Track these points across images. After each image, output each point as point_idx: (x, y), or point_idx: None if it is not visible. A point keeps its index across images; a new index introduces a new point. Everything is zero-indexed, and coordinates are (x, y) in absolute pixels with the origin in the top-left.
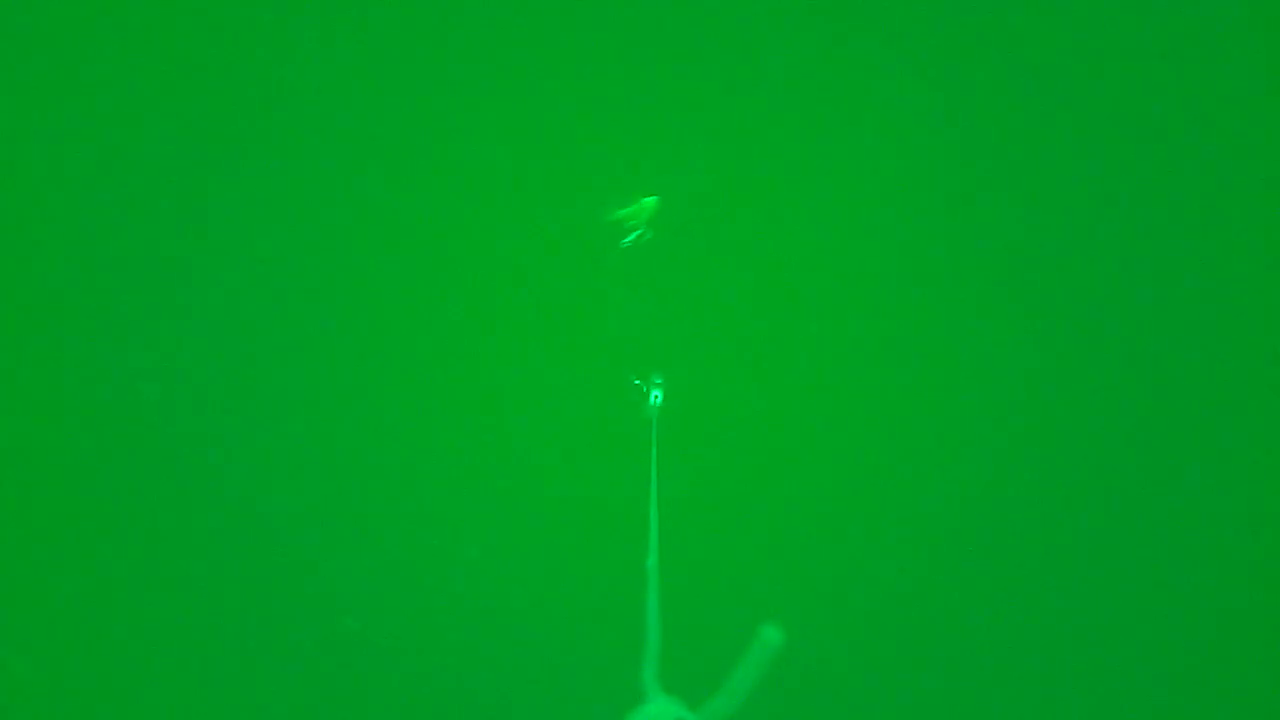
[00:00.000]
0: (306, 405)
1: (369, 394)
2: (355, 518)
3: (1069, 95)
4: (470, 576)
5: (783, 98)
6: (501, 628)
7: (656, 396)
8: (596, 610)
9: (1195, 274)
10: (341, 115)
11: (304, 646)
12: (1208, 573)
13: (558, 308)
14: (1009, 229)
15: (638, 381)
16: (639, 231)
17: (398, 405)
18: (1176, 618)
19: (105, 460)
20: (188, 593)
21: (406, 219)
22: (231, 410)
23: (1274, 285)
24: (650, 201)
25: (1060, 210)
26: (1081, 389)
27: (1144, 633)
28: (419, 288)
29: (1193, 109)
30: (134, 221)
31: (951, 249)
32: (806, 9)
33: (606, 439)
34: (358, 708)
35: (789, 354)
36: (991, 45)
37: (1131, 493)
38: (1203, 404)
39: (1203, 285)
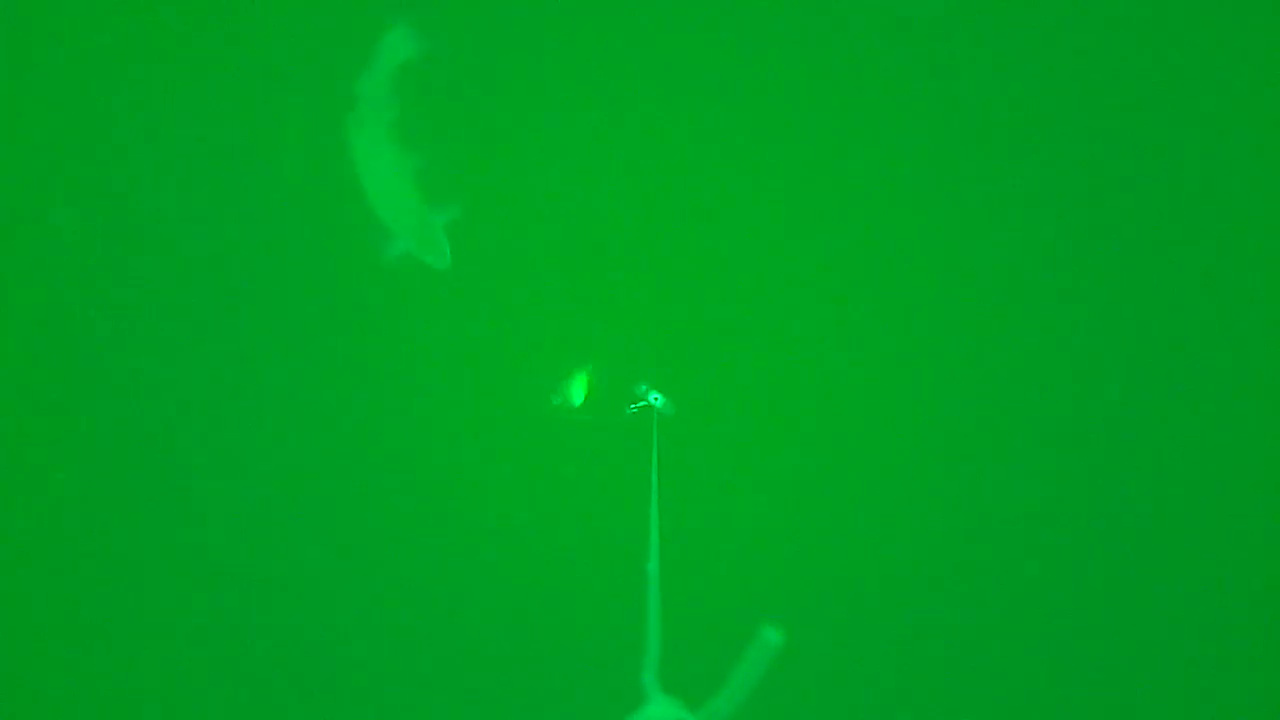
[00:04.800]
0: (306, 407)
1: (369, 393)
2: (354, 518)
3: (1070, 99)
4: (470, 577)
5: (786, 98)
6: (501, 628)
7: (657, 398)
8: (596, 611)
9: (1197, 277)
10: (338, 116)
11: (305, 648)
12: (1209, 575)
13: (560, 308)
14: (1013, 235)
15: (643, 389)
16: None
17: (398, 406)
18: (1177, 620)
19: (100, 461)
20: (189, 592)
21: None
22: (232, 410)
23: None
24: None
25: (1063, 224)
26: (1085, 400)
27: (1145, 635)
28: (421, 287)
29: (1195, 112)
30: (131, 221)
31: (956, 254)
32: (810, 11)
33: (607, 440)
34: (358, 708)
35: (791, 356)
36: (994, 46)
37: (1134, 499)
38: (1204, 407)
39: (1205, 288)
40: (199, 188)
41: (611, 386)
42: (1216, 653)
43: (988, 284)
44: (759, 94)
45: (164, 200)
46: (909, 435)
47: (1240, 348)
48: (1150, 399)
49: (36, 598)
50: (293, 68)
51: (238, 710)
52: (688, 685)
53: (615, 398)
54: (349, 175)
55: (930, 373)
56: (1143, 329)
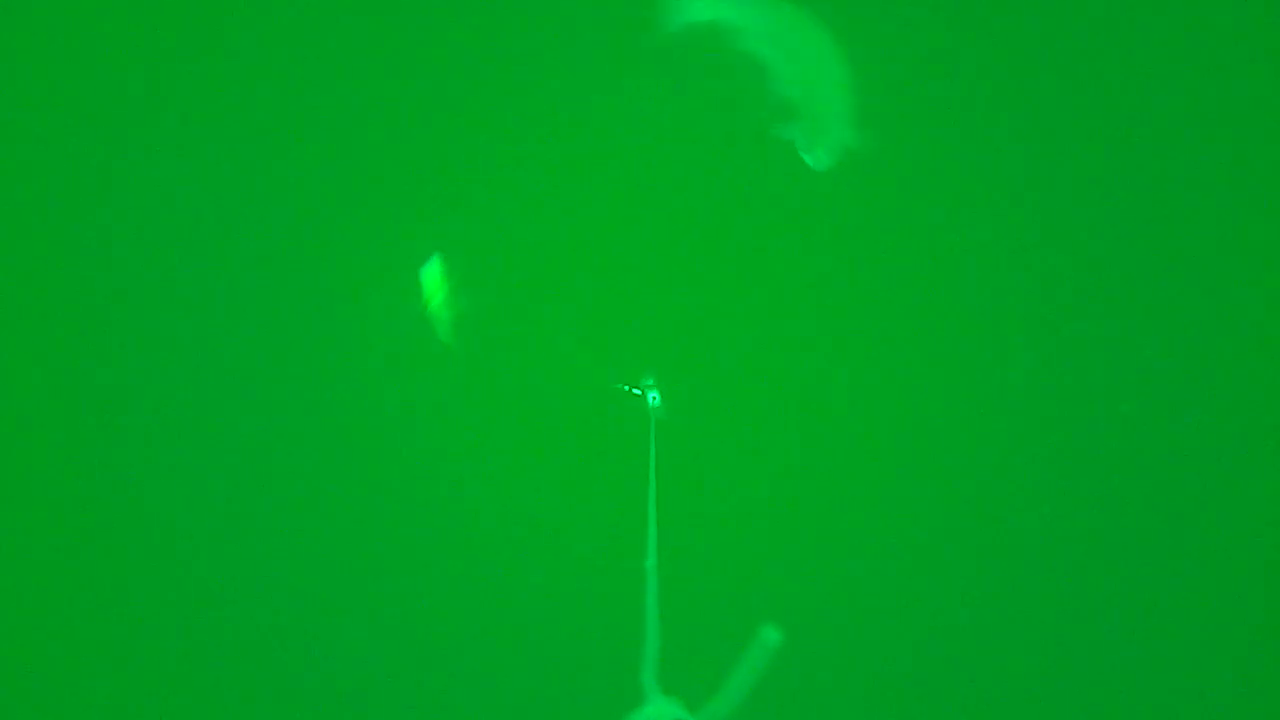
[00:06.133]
0: (303, 407)
1: (365, 394)
2: (352, 519)
3: (1068, 98)
4: (468, 577)
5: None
6: (499, 628)
7: (654, 397)
8: (595, 611)
9: (1197, 276)
10: (337, 114)
11: (300, 648)
12: (1210, 578)
13: (555, 305)
14: (1013, 232)
15: (627, 388)
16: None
17: (394, 405)
18: (1178, 623)
19: (102, 461)
20: (189, 594)
21: (403, 217)
22: (226, 409)
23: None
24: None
25: (1065, 219)
26: (1086, 397)
27: (1146, 637)
28: (416, 286)
29: (1194, 109)
30: (130, 221)
31: (956, 251)
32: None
33: (605, 438)
34: (356, 709)
35: (790, 353)
36: (993, 45)
37: (1135, 500)
38: (1206, 408)
39: (1205, 287)
40: (201, 190)
41: (609, 383)
42: (1216, 657)
43: (987, 280)
44: (755, 91)
45: (168, 203)
46: (909, 433)
47: (1240, 352)
48: (1149, 399)
49: (33, 600)
50: (300, 70)
51: (236, 711)
52: (687, 685)
53: (612, 396)
54: (353, 180)
55: (930, 370)
56: (1142, 330)
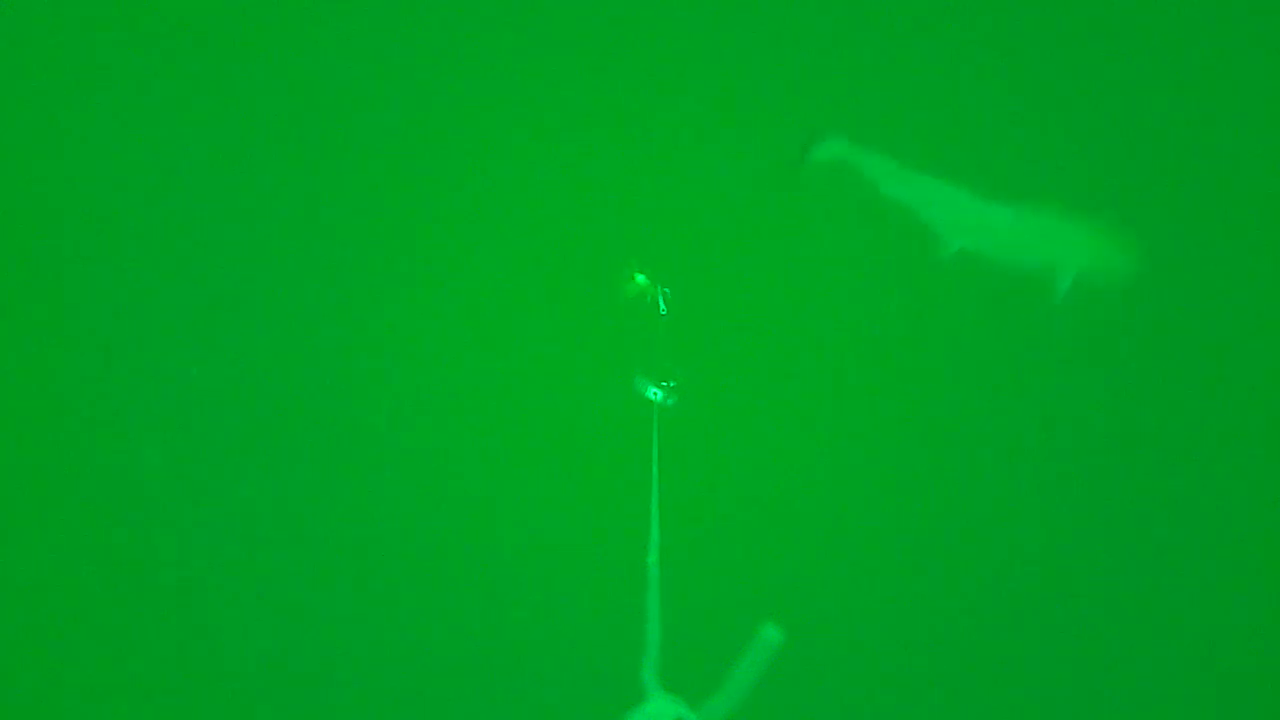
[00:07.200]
0: (306, 405)
1: (369, 392)
2: (353, 517)
3: (1071, 105)
4: (469, 574)
5: (788, 100)
6: (500, 626)
7: (657, 394)
8: (596, 609)
9: (1199, 278)
10: (342, 116)
11: (305, 646)
12: (1211, 578)
13: (560, 304)
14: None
15: (669, 384)
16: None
17: (398, 403)
18: (1178, 624)
19: (104, 462)
20: (188, 596)
21: (411, 219)
22: (232, 411)
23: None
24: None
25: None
26: (1088, 395)
27: (1146, 638)
28: (422, 285)
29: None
30: (132, 221)
31: (958, 251)
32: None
33: (608, 436)
34: (356, 708)
35: (792, 351)
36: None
37: (1135, 499)
38: (1208, 410)
39: (1207, 291)
40: (204, 189)
41: (612, 381)
42: (1216, 659)
43: (989, 281)
44: (764, 94)
45: (168, 205)
46: (910, 432)
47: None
48: (1148, 404)
49: (36, 601)
50: (296, 70)
51: (239, 709)
52: (687, 682)
53: (616, 392)
54: (351, 178)
55: (934, 371)
56: (1143, 332)
